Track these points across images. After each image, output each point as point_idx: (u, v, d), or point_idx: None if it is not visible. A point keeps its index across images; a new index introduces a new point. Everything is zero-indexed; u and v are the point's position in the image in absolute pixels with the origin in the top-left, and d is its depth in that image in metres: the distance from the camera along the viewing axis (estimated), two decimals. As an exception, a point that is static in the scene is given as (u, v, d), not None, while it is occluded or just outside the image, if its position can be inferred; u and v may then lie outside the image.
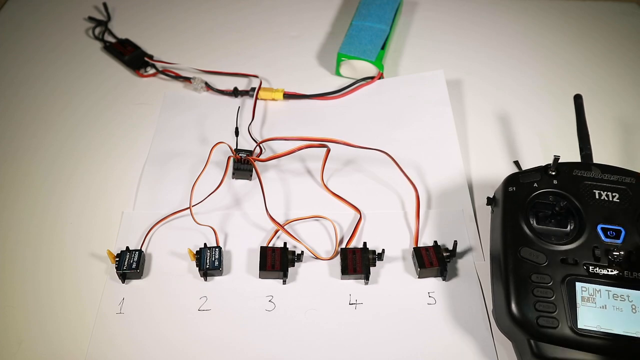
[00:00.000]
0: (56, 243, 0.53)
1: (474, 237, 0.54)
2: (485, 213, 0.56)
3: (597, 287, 0.44)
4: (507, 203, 0.50)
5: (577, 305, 0.43)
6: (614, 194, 0.49)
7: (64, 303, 0.49)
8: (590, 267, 0.45)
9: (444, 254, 0.51)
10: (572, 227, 0.48)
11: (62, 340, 0.47)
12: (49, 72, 0.70)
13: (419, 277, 0.51)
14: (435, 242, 0.53)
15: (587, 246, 0.46)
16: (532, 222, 0.48)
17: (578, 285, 0.44)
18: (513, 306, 0.44)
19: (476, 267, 0.52)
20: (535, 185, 0.50)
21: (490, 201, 0.53)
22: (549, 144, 0.63)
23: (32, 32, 0.76)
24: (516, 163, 0.59)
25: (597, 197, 0.49)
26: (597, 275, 0.45)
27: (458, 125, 0.63)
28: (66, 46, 0.74)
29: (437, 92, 0.66)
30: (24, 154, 0.61)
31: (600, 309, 0.43)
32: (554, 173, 0.50)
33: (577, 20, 0.79)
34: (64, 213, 0.56)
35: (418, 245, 0.53)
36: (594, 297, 0.44)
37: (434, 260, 0.51)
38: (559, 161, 0.50)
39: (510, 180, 0.52)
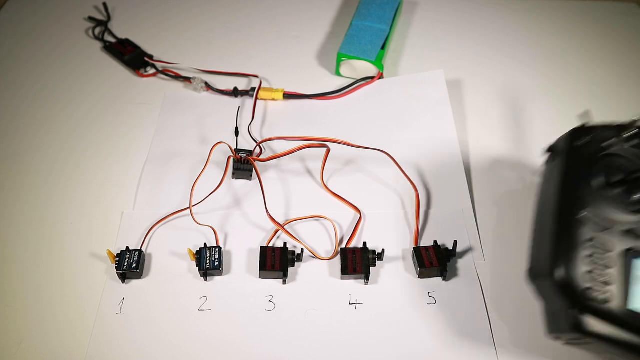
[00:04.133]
0: (56, 243, 0.53)
1: (474, 237, 0.54)
2: (486, 213, 0.56)
3: None
4: (572, 157, 0.44)
5: (631, 284, 0.39)
6: None
7: (64, 303, 0.49)
8: None
9: (444, 254, 0.51)
10: None
11: (62, 340, 0.47)
12: (49, 72, 0.70)
13: (419, 277, 0.51)
14: (435, 242, 0.53)
15: None
16: (598, 183, 0.43)
17: (637, 262, 0.39)
18: (561, 270, 0.39)
19: (476, 267, 0.52)
20: (608, 143, 0.44)
21: (551, 150, 0.47)
22: (548, 144, 0.62)
23: (32, 32, 0.76)
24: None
25: None
26: None
27: (458, 125, 0.63)
28: (66, 46, 0.74)
29: (437, 92, 0.66)
30: (25, 154, 0.61)
31: None
32: (632, 133, 0.44)
33: (577, 20, 0.79)
34: (64, 213, 0.56)
35: (418, 245, 0.53)
36: None
37: (434, 260, 0.51)
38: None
39: (578, 131, 0.45)
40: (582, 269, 0.39)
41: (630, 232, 0.41)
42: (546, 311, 0.42)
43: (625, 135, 0.45)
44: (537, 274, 0.42)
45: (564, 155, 0.45)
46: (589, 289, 0.39)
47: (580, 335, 0.39)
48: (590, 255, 0.40)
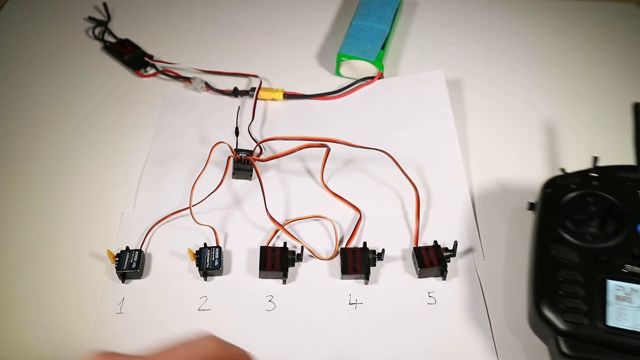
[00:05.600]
0: (57, 243, 0.53)
1: (474, 237, 0.54)
2: (486, 213, 0.56)
3: (635, 286, 0.43)
4: (543, 204, 0.50)
5: (608, 303, 0.43)
6: None
7: (64, 303, 0.49)
8: (628, 266, 0.44)
9: (444, 254, 0.51)
10: (610, 227, 0.47)
11: (62, 340, 0.47)
12: (49, 72, 0.70)
13: (419, 277, 0.51)
14: (435, 242, 0.53)
15: (624, 245, 0.45)
16: (567, 222, 0.48)
17: (612, 283, 0.43)
18: (540, 302, 0.44)
19: (476, 267, 0.52)
20: (574, 186, 0.50)
21: (532, 206, 0.53)
22: (548, 143, 0.63)
23: (32, 32, 0.76)
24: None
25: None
26: (635, 274, 0.44)
27: (458, 125, 0.63)
28: (66, 46, 0.74)
29: (437, 92, 0.66)
30: (25, 155, 0.61)
31: (637, 309, 0.42)
32: (594, 175, 0.50)
33: (576, 21, 0.79)
34: (65, 213, 0.56)
35: (418, 245, 0.53)
36: (631, 296, 0.43)
37: (434, 260, 0.51)
38: (603, 165, 0.50)
39: (548, 183, 0.52)
40: (557, 298, 0.44)
41: (599, 259, 0.45)
42: (548, 351, 0.45)
43: (591, 175, 0.50)
44: (530, 315, 0.46)
45: (538, 205, 0.51)
46: (565, 313, 0.43)
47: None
48: (562, 285, 0.44)
